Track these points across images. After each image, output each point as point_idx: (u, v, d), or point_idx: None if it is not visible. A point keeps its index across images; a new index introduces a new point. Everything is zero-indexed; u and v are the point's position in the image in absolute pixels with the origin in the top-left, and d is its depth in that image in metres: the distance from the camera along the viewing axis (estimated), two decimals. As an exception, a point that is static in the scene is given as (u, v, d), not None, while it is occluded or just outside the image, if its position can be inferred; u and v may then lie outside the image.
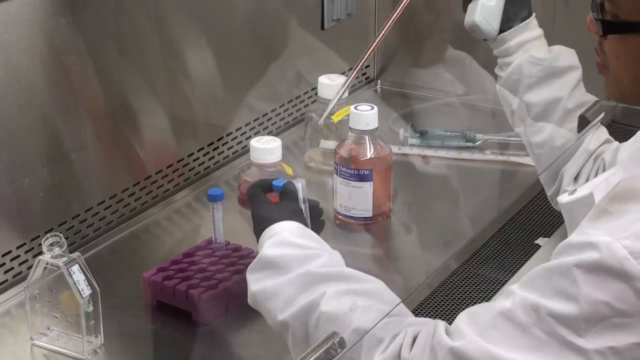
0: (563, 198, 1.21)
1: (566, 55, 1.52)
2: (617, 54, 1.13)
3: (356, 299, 1.14)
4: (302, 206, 1.30)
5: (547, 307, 1.00)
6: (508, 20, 1.52)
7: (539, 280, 1.03)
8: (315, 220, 1.36)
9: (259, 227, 1.25)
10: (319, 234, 1.28)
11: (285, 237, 1.22)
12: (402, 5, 1.42)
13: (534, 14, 1.54)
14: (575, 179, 1.48)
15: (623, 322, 0.98)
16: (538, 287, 1.02)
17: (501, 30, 1.52)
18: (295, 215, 1.26)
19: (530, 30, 1.53)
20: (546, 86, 1.51)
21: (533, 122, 1.52)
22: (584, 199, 1.15)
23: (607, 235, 0.99)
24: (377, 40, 1.45)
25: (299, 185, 1.30)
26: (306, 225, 1.26)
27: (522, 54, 1.52)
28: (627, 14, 1.10)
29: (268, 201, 1.29)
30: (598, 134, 1.50)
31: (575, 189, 1.20)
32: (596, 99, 1.52)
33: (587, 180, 1.46)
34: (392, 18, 1.42)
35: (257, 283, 1.20)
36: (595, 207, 1.05)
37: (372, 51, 1.40)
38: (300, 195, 1.30)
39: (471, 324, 1.05)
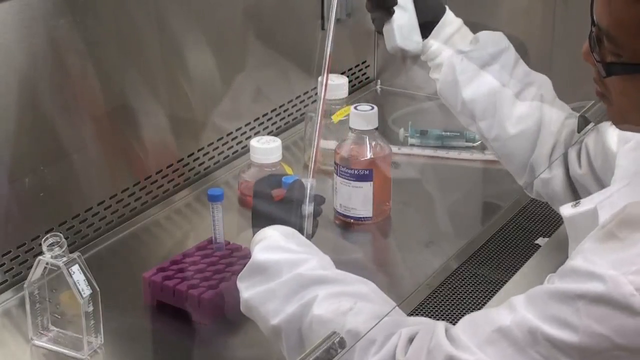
0: (566, 211, 1.18)
1: (494, 39, 1.48)
2: (621, 90, 1.07)
3: (349, 300, 1.13)
4: (306, 207, 1.29)
5: (544, 332, 1.00)
6: (426, 25, 1.50)
7: (540, 301, 1.02)
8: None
9: (254, 228, 1.25)
10: (313, 234, 1.27)
11: (275, 241, 1.21)
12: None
13: (447, 7, 1.51)
14: (551, 173, 1.47)
15: (621, 355, 0.97)
16: (538, 309, 1.01)
17: (423, 37, 1.50)
18: (290, 217, 1.26)
19: (448, 25, 1.50)
20: (483, 77, 1.47)
21: (481, 118, 1.48)
22: (588, 213, 1.13)
23: (613, 268, 0.98)
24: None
25: (308, 184, 1.29)
26: (302, 227, 1.25)
27: (449, 51, 1.49)
28: (631, 55, 1.03)
29: (267, 201, 1.28)
30: (555, 112, 1.46)
31: (579, 202, 1.18)
32: (542, 75, 1.49)
33: (566, 163, 1.45)
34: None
35: (248, 290, 1.19)
36: (601, 226, 1.04)
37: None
38: (307, 195, 1.29)
39: (471, 335, 1.04)
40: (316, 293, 1.15)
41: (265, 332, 1.19)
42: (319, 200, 1.30)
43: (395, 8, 1.49)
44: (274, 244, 1.20)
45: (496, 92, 1.47)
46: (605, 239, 1.01)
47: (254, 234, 1.24)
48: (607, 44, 1.05)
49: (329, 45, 1.36)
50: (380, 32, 1.52)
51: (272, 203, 1.27)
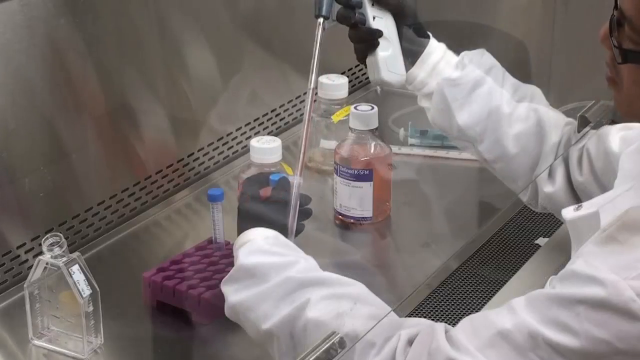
0: (568, 214, 1.18)
1: (478, 61, 1.47)
2: (634, 79, 1.07)
3: (343, 303, 1.13)
4: (292, 206, 1.28)
5: (545, 336, 1.00)
6: (410, 55, 1.48)
7: (541, 305, 1.02)
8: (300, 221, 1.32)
9: (239, 230, 1.25)
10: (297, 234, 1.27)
11: (259, 245, 1.21)
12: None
13: (430, 35, 1.48)
14: (551, 176, 1.46)
15: None
16: (539, 313, 1.01)
17: (407, 66, 1.48)
18: (275, 217, 1.25)
19: (433, 53, 1.48)
20: (475, 101, 1.46)
21: (480, 142, 1.47)
22: (590, 216, 1.13)
23: (613, 272, 0.98)
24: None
25: (295, 182, 1.29)
26: (287, 227, 1.25)
27: (436, 79, 1.47)
28: None
29: (254, 202, 1.28)
30: (554, 125, 1.45)
31: (581, 205, 1.18)
32: (527, 85, 1.48)
33: (568, 176, 1.44)
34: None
35: (235, 294, 1.19)
36: (603, 230, 1.04)
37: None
38: (293, 194, 1.28)
39: (471, 338, 1.04)
40: (308, 296, 1.14)
41: (255, 336, 1.18)
42: (305, 200, 1.29)
43: (379, 39, 1.47)
44: (258, 248, 1.20)
45: (490, 113, 1.46)
46: (606, 243, 1.01)
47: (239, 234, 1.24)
48: (628, 30, 1.04)
49: (316, 55, 1.36)
50: (362, 63, 1.50)
51: (259, 203, 1.27)
